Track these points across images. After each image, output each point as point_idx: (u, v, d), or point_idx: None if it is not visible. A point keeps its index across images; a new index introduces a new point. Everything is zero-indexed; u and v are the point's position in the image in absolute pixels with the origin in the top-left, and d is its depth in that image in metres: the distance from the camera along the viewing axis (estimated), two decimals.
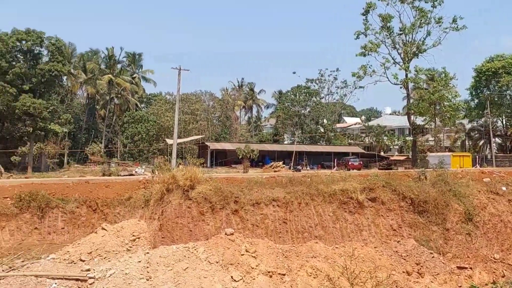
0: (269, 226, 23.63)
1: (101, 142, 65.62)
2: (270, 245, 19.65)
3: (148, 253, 17.64)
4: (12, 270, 18.43)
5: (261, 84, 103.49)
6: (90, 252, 19.28)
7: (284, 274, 17.51)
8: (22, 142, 50.84)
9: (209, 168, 48.28)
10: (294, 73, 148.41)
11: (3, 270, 18.42)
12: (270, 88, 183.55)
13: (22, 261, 20.25)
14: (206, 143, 61.34)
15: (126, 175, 38.69)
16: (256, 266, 17.47)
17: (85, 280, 16.32)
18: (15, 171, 46.30)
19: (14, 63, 47.46)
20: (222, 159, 59.03)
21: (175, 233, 23.00)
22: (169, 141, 55.31)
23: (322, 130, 74.93)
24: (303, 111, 74.34)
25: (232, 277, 16.63)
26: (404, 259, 20.52)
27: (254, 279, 16.83)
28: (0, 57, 46.03)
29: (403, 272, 19.21)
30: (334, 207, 24.42)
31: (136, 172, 43.68)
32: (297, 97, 74.12)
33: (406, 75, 51.15)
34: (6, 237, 24.21)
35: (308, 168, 56.80)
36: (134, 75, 74.84)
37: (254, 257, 18.09)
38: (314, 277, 17.75)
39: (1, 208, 24.73)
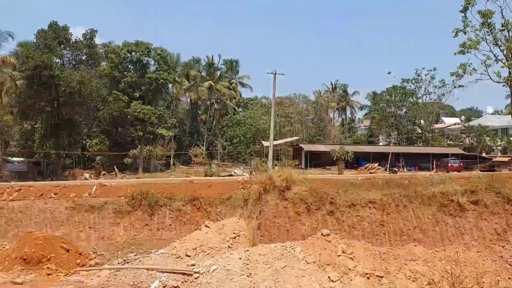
0: (366, 228, 23.57)
1: (203, 145, 68.89)
2: (367, 247, 19.56)
3: (248, 250, 18.39)
4: (126, 263, 20.13)
5: (354, 85, 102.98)
6: (195, 248, 20.32)
7: (382, 277, 17.41)
8: (133, 145, 55.33)
9: (303, 170, 48.70)
10: (389, 73, 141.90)
11: (118, 263, 20.22)
12: (364, 89, 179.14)
13: (135, 255, 22.07)
14: (300, 145, 61.80)
15: (226, 176, 40.37)
16: (353, 267, 17.54)
17: (191, 274, 17.26)
18: (128, 171, 50.45)
19: (125, 73, 51.80)
20: (316, 160, 59.04)
21: (273, 232, 23.83)
22: (265, 143, 56.55)
23: (419, 131, 71.90)
24: (399, 112, 71.92)
25: (329, 277, 16.82)
26: (510, 265, 19.40)
27: (351, 280, 16.93)
28: (114, 68, 50.55)
29: (509, 278, 18.20)
30: (433, 209, 23.70)
31: (235, 173, 45.36)
32: (393, 97, 71.86)
33: (510, 73, 47.35)
34: (121, 233, 26.70)
35: (405, 169, 54.95)
36: (232, 81, 77.57)
37: (351, 258, 18.18)
38: (413, 280, 17.45)
39: (117, 206, 27.33)
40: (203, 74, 74.06)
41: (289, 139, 64.20)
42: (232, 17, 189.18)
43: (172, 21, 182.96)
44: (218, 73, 76.18)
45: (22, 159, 52.65)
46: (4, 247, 20.81)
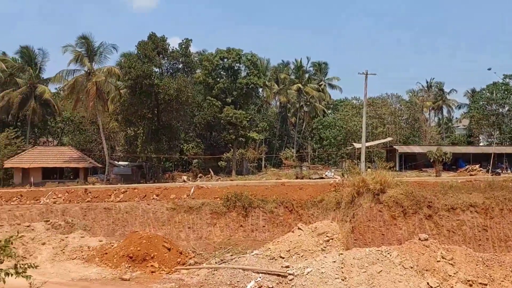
0: (467, 233, 22.40)
1: (293, 147, 69.35)
2: (469, 252, 18.57)
3: (342, 254, 18.29)
4: (223, 262, 20.85)
5: (450, 83, 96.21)
6: (288, 250, 20.61)
7: (485, 284, 16.46)
8: (226, 149, 57.25)
9: (398, 172, 47.16)
10: (489, 69, 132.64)
11: (216, 262, 21.01)
12: (461, 88, 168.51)
13: (231, 255, 22.78)
14: (394, 146, 59.92)
15: (317, 178, 40.34)
16: (454, 273, 16.77)
17: (285, 276, 17.52)
18: (222, 174, 52.30)
19: (218, 79, 53.77)
20: (411, 162, 56.89)
21: (367, 236, 23.45)
22: (356, 145, 55.67)
23: None
24: (501, 110, 66.99)
25: (428, 283, 16.25)
26: None
27: (452, 287, 16.22)
28: (208, 75, 52.72)
29: None
30: None
31: (326, 175, 45.17)
32: (494, 95, 67.07)
33: None
34: (217, 233, 27.86)
35: (508, 171, 51.09)
36: (321, 83, 77.26)
37: (451, 264, 17.39)
38: None
39: (213, 207, 28.57)
40: (292, 77, 74.58)
41: (382, 141, 62.55)
42: (322, 20, 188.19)
43: (264, 29, 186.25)
44: (307, 75, 76.24)
45: (126, 163, 56.61)
46: (112, 245, 22.17)
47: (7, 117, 57.08)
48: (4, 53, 59.28)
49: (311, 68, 78.39)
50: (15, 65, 56.66)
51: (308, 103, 74.00)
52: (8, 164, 46.14)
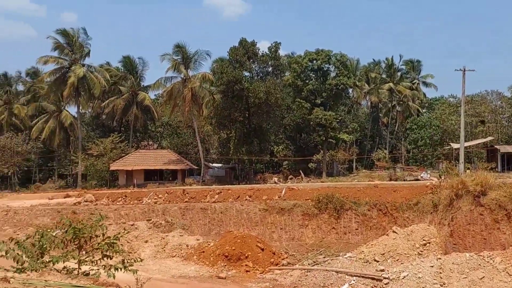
0: None
1: (385, 148, 67.60)
2: None
3: (440, 258, 17.70)
4: (316, 264, 21.04)
5: None
6: (383, 254, 20.28)
7: None
8: (316, 150, 57.25)
9: (500, 173, 44.11)
10: None
11: (308, 264, 21.25)
12: None
13: (324, 257, 22.87)
14: (495, 146, 56.24)
15: (412, 180, 39.07)
16: None
17: (380, 280, 17.29)
18: (312, 176, 52.40)
19: (307, 81, 53.98)
20: None
21: (467, 240, 22.35)
22: (454, 145, 53.17)
23: None
24: None
25: None
26: None
27: None
28: (297, 77, 53.17)
29: None
30: None
31: (421, 177, 43.54)
32: None
33: None
34: (309, 235, 28.05)
35: None
36: (414, 81, 74.39)
37: None
38: None
39: (304, 208, 28.80)
40: (383, 76, 72.60)
41: (481, 140, 59.01)
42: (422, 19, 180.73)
43: (352, 29, 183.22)
44: (399, 74, 73.77)
45: (220, 164, 58.78)
46: (209, 244, 23.04)
47: (112, 123, 61.85)
48: (108, 63, 64.33)
49: (403, 66, 75.82)
50: (119, 74, 61.25)
51: (401, 102, 71.57)
52: (113, 166, 50.03)
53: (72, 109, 58.82)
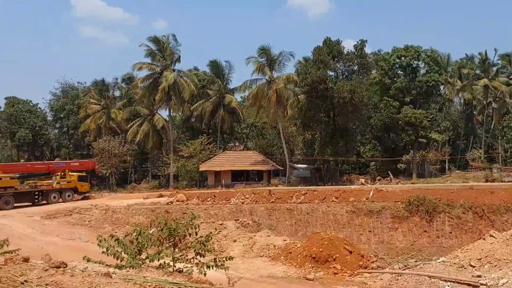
0: None
1: (480, 148, 63.65)
2: None
3: None
4: (407, 268, 20.33)
5: None
6: (480, 259, 19.25)
7: None
8: (405, 151, 55.23)
9: None
10: None
11: (399, 268, 20.59)
12: None
13: (415, 261, 22.00)
14: None
15: (511, 181, 36.55)
16: None
17: (477, 286, 16.37)
18: (401, 177, 50.66)
19: (395, 78, 52.29)
20: None
21: None
22: None
23: None
24: None
25: None
26: None
27: None
28: (384, 75, 51.70)
29: None
30: None
31: None
32: None
33: None
34: (399, 238, 27.18)
35: None
36: (511, 76, 69.15)
37: None
38: None
39: (394, 211, 27.95)
40: (477, 71, 68.26)
41: None
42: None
43: (441, 20, 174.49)
44: (494, 69, 68.94)
45: (305, 165, 58.73)
46: (296, 245, 22.99)
47: (201, 125, 64.17)
48: (196, 68, 66.83)
49: (499, 61, 70.77)
50: (206, 78, 63.43)
51: (497, 99, 66.85)
52: (203, 167, 51.91)
53: (163, 113, 61.61)
